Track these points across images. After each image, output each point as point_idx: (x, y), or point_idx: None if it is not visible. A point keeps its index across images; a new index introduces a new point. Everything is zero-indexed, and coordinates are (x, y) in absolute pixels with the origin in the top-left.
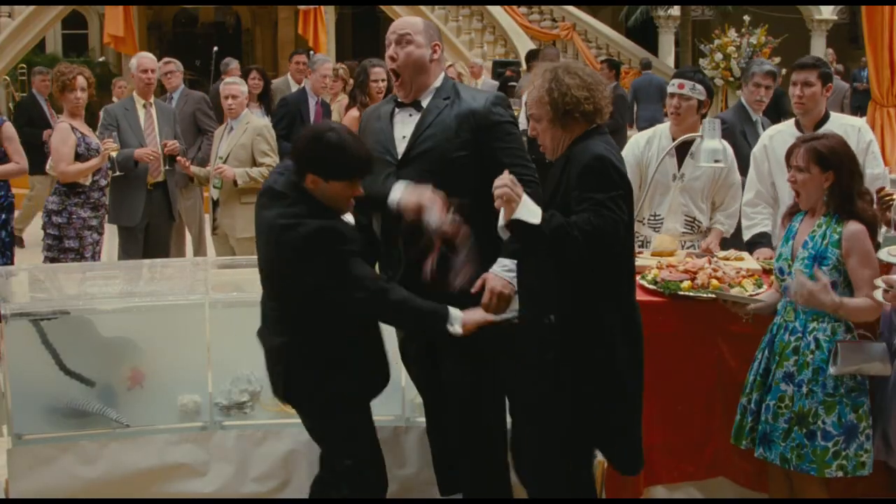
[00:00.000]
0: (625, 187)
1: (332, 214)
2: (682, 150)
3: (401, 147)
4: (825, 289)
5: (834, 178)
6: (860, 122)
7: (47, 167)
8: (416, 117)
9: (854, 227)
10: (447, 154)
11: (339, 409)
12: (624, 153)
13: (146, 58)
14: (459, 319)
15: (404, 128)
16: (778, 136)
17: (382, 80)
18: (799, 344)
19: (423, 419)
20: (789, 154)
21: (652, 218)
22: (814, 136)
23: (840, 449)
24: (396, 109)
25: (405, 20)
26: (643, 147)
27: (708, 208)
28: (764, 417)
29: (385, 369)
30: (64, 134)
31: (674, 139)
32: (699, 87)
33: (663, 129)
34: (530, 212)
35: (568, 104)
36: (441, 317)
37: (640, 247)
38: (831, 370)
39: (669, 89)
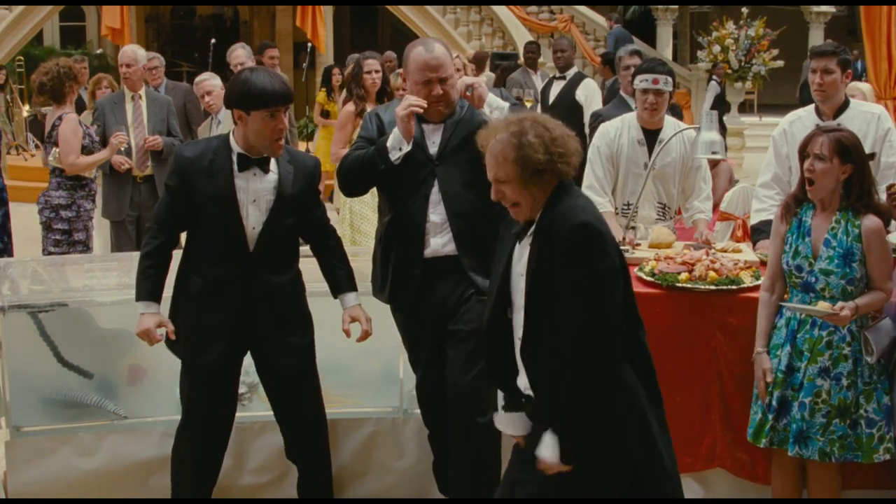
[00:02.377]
0: (615, 251)
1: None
2: (651, 139)
3: (434, 150)
4: (841, 311)
5: (852, 171)
6: (879, 108)
7: (50, 159)
8: (441, 125)
9: (872, 221)
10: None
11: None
12: (596, 143)
13: (123, 53)
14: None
15: (432, 135)
16: (798, 122)
17: (377, 72)
18: (832, 338)
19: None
20: (806, 143)
21: (625, 207)
22: (833, 128)
23: (884, 433)
24: (422, 125)
25: (439, 58)
26: (613, 137)
27: (678, 194)
28: (799, 415)
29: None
30: (74, 126)
31: (644, 130)
32: (669, 79)
33: (630, 118)
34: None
35: (538, 163)
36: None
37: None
38: (869, 358)
39: (642, 85)
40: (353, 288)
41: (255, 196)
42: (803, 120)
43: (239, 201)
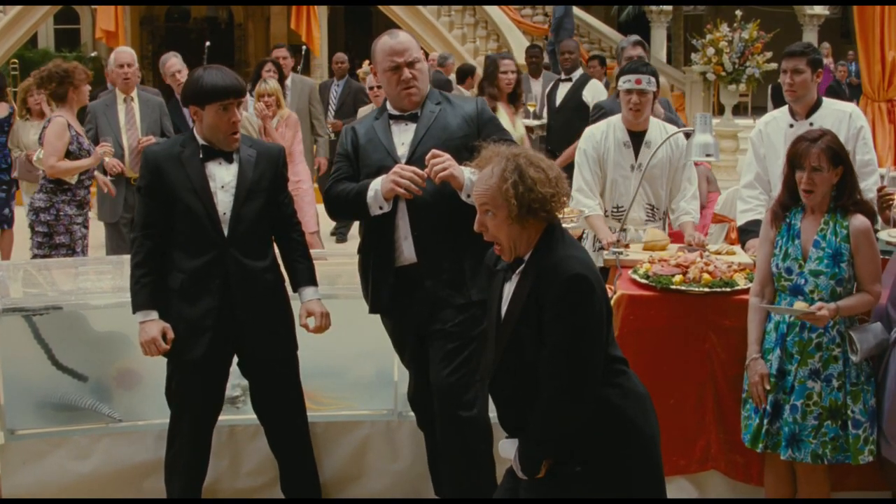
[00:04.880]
0: (604, 306)
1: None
2: (637, 141)
3: (402, 151)
4: (819, 311)
5: (843, 173)
6: (852, 107)
7: (34, 159)
8: (412, 126)
9: (861, 221)
10: (449, 153)
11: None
12: (583, 146)
13: (122, 53)
14: None
15: (402, 136)
16: (773, 123)
17: (512, 72)
18: (822, 340)
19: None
20: (798, 155)
21: (615, 210)
22: (817, 135)
23: (869, 434)
24: (391, 121)
25: (404, 42)
26: (600, 139)
27: (666, 195)
28: (791, 418)
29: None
30: (59, 129)
31: (629, 131)
32: (653, 79)
33: (616, 121)
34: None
35: (534, 201)
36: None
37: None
38: (854, 357)
39: (625, 85)
40: (313, 283)
41: (223, 182)
42: (778, 120)
43: (210, 187)
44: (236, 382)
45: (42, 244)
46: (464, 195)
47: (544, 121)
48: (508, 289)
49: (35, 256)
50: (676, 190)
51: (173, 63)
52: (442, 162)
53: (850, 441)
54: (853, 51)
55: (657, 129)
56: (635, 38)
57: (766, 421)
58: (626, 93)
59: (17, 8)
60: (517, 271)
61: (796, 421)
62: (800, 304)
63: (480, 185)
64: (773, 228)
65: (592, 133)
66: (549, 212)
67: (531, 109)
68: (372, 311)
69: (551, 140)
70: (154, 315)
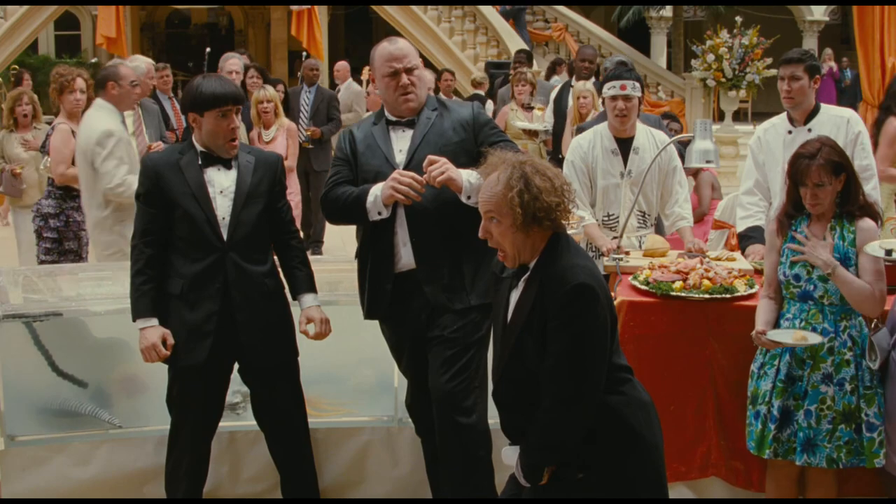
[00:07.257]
0: (608, 314)
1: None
2: (625, 148)
3: (400, 158)
4: (820, 245)
5: (845, 179)
6: (850, 112)
7: (41, 167)
8: (410, 132)
9: (867, 224)
10: (446, 158)
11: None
12: (570, 157)
13: (148, 63)
14: None
15: (400, 142)
16: (772, 130)
17: None
18: (833, 344)
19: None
20: (798, 173)
21: (606, 218)
22: (815, 150)
23: (883, 438)
24: (389, 127)
25: (403, 49)
26: (587, 149)
27: (657, 200)
28: (805, 423)
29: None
30: (65, 136)
31: (616, 138)
32: (637, 84)
33: (602, 129)
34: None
35: (539, 210)
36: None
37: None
38: (872, 364)
39: (610, 92)
40: (312, 290)
41: (222, 187)
42: (777, 127)
43: (209, 192)
44: (236, 389)
45: (50, 250)
46: (463, 197)
47: (547, 125)
48: (514, 296)
49: (42, 262)
50: (668, 194)
51: (234, 63)
52: (439, 166)
53: (864, 444)
54: (848, 57)
55: (644, 135)
56: (619, 58)
57: (772, 426)
58: (612, 99)
59: (18, 14)
60: (522, 279)
61: (811, 426)
62: (799, 334)
63: (486, 192)
64: (780, 237)
65: (579, 143)
66: (555, 220)
67: (539, 113)
68: (367, 316)
69: (556, 145)
70: (154, 322)
